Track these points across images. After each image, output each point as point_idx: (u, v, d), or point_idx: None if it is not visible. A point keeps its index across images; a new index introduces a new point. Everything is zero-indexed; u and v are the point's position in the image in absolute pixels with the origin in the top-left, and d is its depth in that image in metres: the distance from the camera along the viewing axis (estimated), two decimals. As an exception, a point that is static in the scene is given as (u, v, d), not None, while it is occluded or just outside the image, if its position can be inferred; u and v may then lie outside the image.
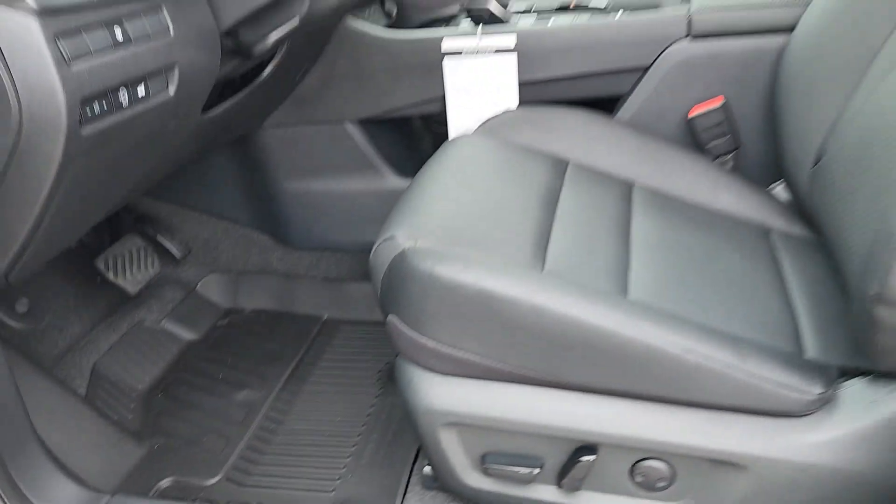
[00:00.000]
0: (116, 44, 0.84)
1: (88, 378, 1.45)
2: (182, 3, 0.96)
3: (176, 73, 0.95)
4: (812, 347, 0.95)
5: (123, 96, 0.87)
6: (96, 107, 0.83)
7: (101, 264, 1.54)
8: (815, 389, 0.86)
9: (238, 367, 1.55)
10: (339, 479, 1.25)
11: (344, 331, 1.65)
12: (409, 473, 1.23)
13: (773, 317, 1.00)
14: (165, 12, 0.93)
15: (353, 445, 1.32)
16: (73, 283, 1.59)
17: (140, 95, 0.90)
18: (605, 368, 0.89)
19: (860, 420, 0.84)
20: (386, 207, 1.54)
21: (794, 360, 0.90)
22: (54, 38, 0.77)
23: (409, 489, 1.19)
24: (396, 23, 1.64)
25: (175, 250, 1.67)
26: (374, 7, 1.66)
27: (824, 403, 0.87)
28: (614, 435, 0.91)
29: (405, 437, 1.32)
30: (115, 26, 0.84)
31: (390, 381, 1.47)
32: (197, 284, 1.74)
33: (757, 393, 0.86)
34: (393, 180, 1.61)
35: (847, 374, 0.90)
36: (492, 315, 0.90)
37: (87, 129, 0.83)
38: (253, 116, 1.46)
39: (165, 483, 1.27)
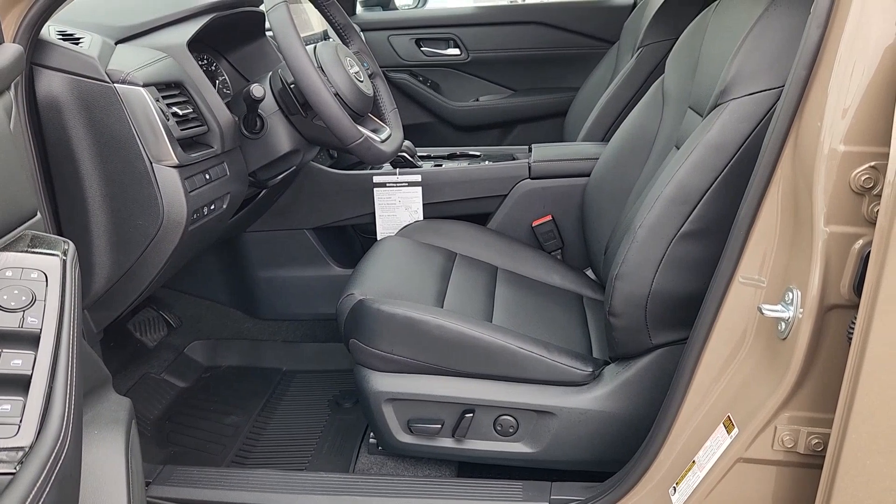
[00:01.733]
0: (206, 182, 1.52)
1: (116, 409, 2.00)
2: (232, 157, 1.66)
3: (228, 196, 1.64)
4: (596, 350, 1.69)
5: (207, 210, 1.54)
6: (195, 216, 1.49)
7: (131, 327, 2.13)
8: (589, 369, 1.58)
9: (223, 402, 2.14)
10: (308, 461, 1.86)
11: (298, 378, 2.27)
12: (357, 448, 1.85)
13: (577, 337, 1.74)
14: (225, 164, 1.62)
15: (315, 444, 1.93)
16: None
17: (212, 209, 1.57)
18: (477, 361, 1.58)
19: (611, 384, 1.56)
20: (329, 288, 2.24)
21: (581, 355, 1.62)
22: (183, 179, 1.44)
23: (359, 456, 1.82)
24: (336, 163, 2.38)
25: (172, 321, 2.27)
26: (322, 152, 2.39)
27: (595, 377, 1.59)
28: (483, 400, 1.59)
29: (351, 438, 1.94)
30: (206, 173, 1.53)
31: (336, 406, 2.10)
32: (184, 348, 2.33)
33: (559, 372, 1.57)
34: (334, 269, 2.28)
35: (608, 362, 1.63)
36: (413, 332, 1.58)
37: (191, 228, 1.49)
38: (246, 222, 2.13)
39: (186, 469, 1.84)
